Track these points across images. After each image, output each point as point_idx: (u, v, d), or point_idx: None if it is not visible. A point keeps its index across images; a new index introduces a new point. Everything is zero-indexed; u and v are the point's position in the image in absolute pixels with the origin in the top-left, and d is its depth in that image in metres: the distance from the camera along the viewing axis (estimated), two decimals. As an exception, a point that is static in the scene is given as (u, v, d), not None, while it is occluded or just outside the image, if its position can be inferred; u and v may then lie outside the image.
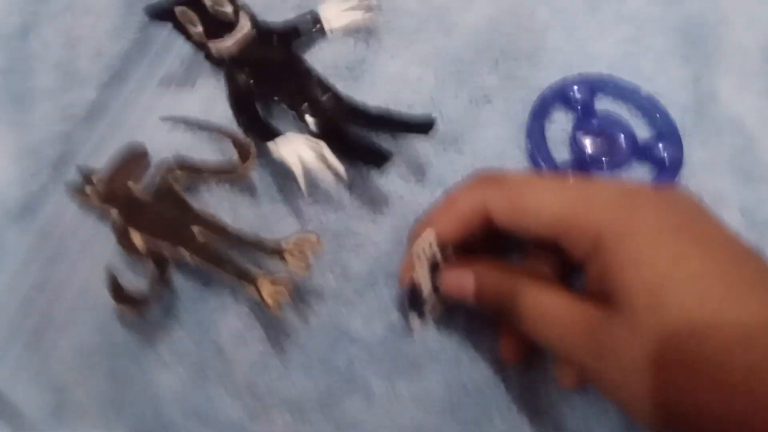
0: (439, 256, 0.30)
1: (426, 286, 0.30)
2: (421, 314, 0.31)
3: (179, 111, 0.36)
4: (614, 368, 0.24)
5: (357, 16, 0.37)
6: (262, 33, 0.37)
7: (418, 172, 0.35)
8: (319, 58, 0.37)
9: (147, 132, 0.35)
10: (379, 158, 0.32)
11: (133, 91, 0.36)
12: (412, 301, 0.31)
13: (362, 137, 0.34)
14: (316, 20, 0.37)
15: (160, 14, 0.35)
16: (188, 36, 0.35)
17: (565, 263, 0.29)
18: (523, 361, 0.30)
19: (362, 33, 0.38)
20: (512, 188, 0.28)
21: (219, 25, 0.36)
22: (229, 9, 0.36)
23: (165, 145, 0.35)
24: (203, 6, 0.36)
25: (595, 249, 0.25)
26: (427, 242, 0.29)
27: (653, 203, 0.25)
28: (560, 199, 0.26)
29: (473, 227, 0.29)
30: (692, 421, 0.23)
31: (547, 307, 0.26)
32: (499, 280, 0.28)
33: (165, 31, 0.37)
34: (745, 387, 0.22)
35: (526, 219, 0.27)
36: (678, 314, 0.23)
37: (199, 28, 0.35)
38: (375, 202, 0.34)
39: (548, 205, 0.27)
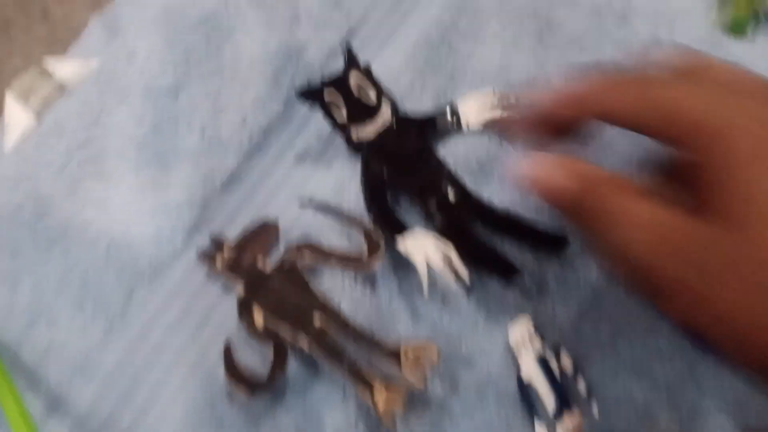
0: (550, 356, 0.31)
1: (549, 402, 0.30)
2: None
3: (312, 188, 0.36)
4: (729, 290, 0.21)
5: (497, 115, 0.37)
6: (401, 122, 0.37)
7: (541, 289, 0.34)
8: (450, 151, 0.37)
9: (278, 206, 0.36)
10: (508, 272, 0.32)
11: (269, 163, 0.37)
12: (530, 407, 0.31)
13: (491, 245, 0.34)
14: (454, 112, 0.37)
15: (311, 96, 0.36)
16: (334, 120, 0.36)
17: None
18: None
19: (496, 130, 0.38)
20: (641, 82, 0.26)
21: (361, 110, 0.36)
22: (372, 94, 0.37)
23: (294, 221, 0.36)
24: (348, 88, 0.36)
25: (719, 150, 0.22)
26: (521, 334, 0.31)
27: None
28: (691, 94, 0.24)
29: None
30: None
31: (642, 214, 0.23)
32: (588, 178, 0.26)
33: (305, 107, 0.38)
34: None
35: (654, 112, 0.24)
36: None
37: (344, 112, 0.36)
38: (492, 313, 0.33)
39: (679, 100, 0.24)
